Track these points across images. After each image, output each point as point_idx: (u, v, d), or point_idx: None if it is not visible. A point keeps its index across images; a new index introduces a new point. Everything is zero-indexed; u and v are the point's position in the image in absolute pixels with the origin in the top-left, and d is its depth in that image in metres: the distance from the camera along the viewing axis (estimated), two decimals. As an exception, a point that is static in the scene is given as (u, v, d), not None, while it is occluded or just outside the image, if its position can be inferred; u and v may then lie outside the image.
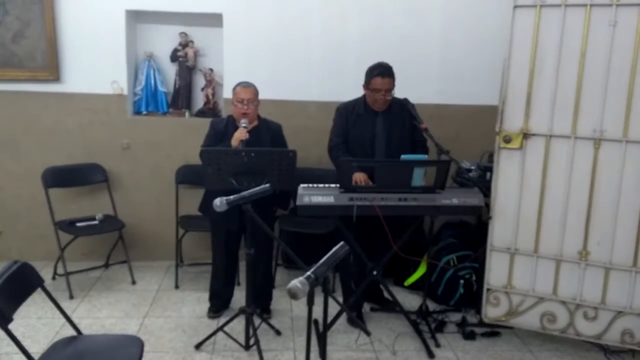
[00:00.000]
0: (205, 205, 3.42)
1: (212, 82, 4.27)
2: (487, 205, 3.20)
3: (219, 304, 3.50)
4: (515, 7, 2.97)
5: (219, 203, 2.64)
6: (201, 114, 4.27)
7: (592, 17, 2.84)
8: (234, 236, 3.39)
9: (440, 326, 3.39)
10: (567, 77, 2.92)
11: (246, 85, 3.28)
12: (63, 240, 3.81)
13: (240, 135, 3.12)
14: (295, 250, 3.04)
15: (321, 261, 1.78)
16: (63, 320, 2.41)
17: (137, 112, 4.29)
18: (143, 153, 4.19)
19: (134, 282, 3.94)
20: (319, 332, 2.99)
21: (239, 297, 3.48)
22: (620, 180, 2.90)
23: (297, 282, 1.64)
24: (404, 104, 3.29)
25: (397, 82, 3.25)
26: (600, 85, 2.87)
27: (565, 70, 2.92)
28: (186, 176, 4.05)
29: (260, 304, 3.34)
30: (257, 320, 3.09)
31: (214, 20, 4.08)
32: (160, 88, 4.28)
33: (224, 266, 3.44)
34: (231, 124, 3.29)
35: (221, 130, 3.29)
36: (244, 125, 3.16)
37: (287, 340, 3.22)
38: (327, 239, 3.57)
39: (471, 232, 3.97)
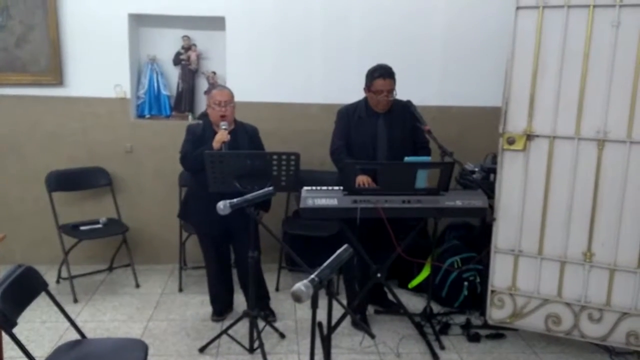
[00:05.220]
0: (185, 211, 3.44)
1: (214, 85, 4.28)
2: (491, 207, 3.19)
3: (220, 308, 3.50)
4: (518, 8, 2.96)
5: (223, 206, 2.64)
6: (204, 117, 4.26)
7: (595, 17, 2.83)
8: (220, 240, 3.39)
9: (445, 328, 3.38)
10: (571, 78, 2.91)
11: (222, 89, 3.33)
12: (67, 244, 3.82)
13: (222, 137, 3.13)
14: (298, 253, 3.04)
15: (325, 264, 1.77)
16: (67, 324, 2.41)
17: (140, 115, 4.30)
18: (146, 156, 4.19)
19: (137, 286, 3.94)
20: (323, 335, 2.98)
21: (243, 300, 3.47)
22: (625, 181, 2.89)
23: (302, 285, 1.64)
24: (405, 105, 3.29)
25: (399, 84, 3.24)
26: (604, 86, 2.86)
27: (569, 71, 2.91)
28: (189, 179, 4.04)
29: (258, 304, 3.31)
30: (261, 324, 3.09)
31: (217, 23, 4.09)
32: (163, 91, 4.29)
33: (216, 271, 3.44)
34: (208, 128, 3.30)
35: (199, 134, 3.30)
36: (224, 127, 3.18)
37: (291, 343, 3.21)
38: (331, 241, 3.56)
39: (475, 234, 3.96)
